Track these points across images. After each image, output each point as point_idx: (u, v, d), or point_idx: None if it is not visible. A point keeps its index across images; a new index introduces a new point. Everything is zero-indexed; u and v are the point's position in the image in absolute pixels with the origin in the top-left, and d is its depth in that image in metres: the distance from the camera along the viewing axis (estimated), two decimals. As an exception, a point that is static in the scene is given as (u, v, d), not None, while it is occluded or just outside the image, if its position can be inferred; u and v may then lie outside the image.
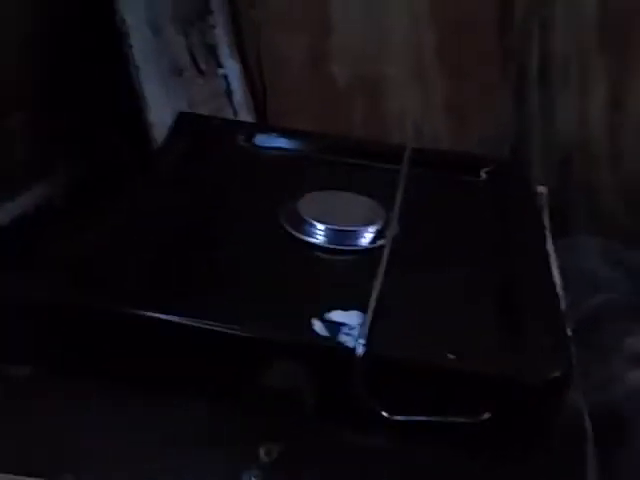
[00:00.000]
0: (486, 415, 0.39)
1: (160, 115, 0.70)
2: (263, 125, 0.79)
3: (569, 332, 0.47)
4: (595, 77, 0.78)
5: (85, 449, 0.39)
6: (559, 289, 0.52)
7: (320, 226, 0.50)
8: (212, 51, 0.78)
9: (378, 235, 0.51)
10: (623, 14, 0.76)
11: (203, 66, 0.77)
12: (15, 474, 0.38)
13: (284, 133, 0.65)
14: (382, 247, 0.48)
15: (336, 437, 0.41)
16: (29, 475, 0.37)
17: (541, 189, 0.66)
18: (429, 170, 0.60)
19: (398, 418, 0.39)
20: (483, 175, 0.61)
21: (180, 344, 0.42)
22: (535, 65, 0.79)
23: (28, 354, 0.44)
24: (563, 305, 0.51)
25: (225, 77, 0.79)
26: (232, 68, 0.79)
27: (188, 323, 0.41)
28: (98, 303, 0.43)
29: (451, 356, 0.40)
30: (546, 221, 0.61)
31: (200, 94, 0.77)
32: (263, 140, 0.64)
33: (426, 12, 0.78)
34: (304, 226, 0.51)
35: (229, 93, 0.79)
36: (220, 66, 0.79)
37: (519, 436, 0.40)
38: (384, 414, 0.40)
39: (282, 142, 0.64)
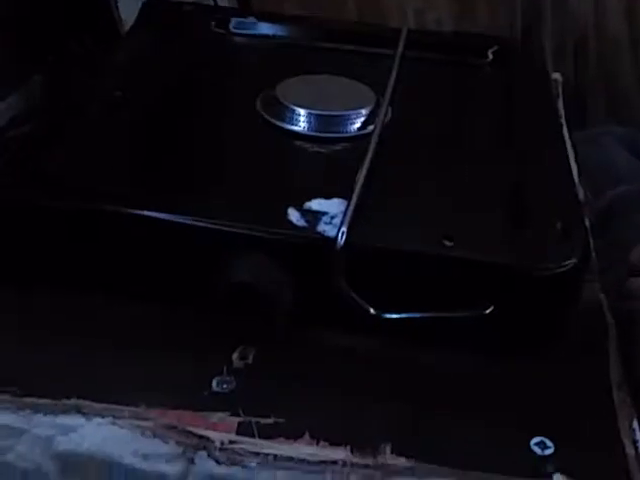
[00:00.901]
0: (489, 309, 0.34)
1: (129, 9, 0.63)
2: (240, 10, 0.72)
3: (587, 223, 0.41)
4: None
5: (30, 360, 0.35)
6: (576, 179, 0.46)
7: (300, 111, 0.45)
8: None
9: (367, 121, 0.45)
10: None
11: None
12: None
13: (263, 17, 0.58)
14: (371, 134, 0.42)
15: (318, 339, 0.36)
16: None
17: (555, 76, 0.59)
18: (428, 53, 0.53)
19: (388, 316, 0.35)
20: (489, 56, 0.54)
21: (148, 240, 0.37)
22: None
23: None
24: (581, 196, 0.46)
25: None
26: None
27: (157, 216, 0.37)
28: (59, 201, 0.38)
29: (447, 242, 0.34)
30: (561, 110, 0.55)
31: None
32: (240, 26, 0.57)
33: None
34: (283, 112, 0.45)
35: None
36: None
37: (529, 332, 0.35)
38: (372, 311, 0.35)
39: (261, 28, 0.57)
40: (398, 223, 0.37)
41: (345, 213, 0.36)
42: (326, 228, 0.36)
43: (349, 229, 0.35)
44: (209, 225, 0.36)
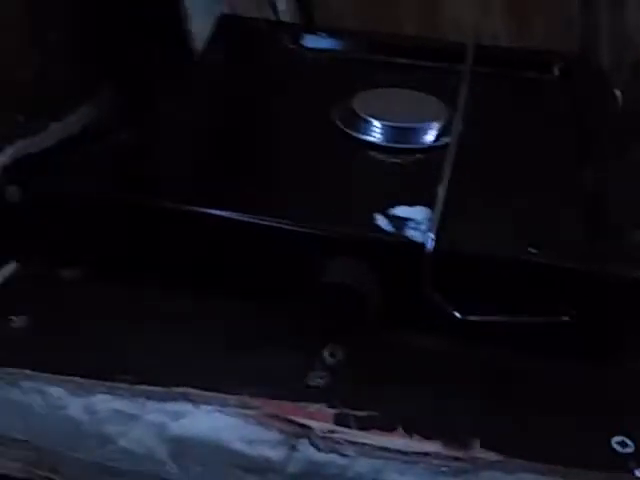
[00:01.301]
0: (570, 315, 0.36)
1: (201, 24, 0.66)
2: (310, 26, 0.74)
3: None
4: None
5: (142, 351, 0.38)
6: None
7: (377, 123, 0.47)
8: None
9: (441, 132, 0.47)
10: None
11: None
12: (68, 375, 0.37)
13: (333, 33, 0.61)
14: (446, 145, 0.45)
15: (404, 339, 0.39)
16: (85, 377, 0.37)
17: (616, 92, 0.61)
18: (494, 68, 0.56)
19: (472, 318, 0.37)
20: (556, 72, 0.57)
21: (242, 243, 0.40)
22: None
23: (79, 256, 0.43)
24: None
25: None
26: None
27: (251, 220, 0.40)
28: (150, 199, 0.41)
29: (532, 250, 0.37)
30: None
31: (243, 2, 0.72)
32: (311, 41, 0.60)
33: None
34: (359, 124, 0.48)
35: (273, 1, 0.75)
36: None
37: (611, 337, 0.38)
38: (456, 314, 0.37)
39: (331, 43, 0.60)
40: (482, 230, 0.39)
41: (432, 219, 0.38)
42: (414, 233, 0.38)
43: (437, 236, 0.37)
44: (305, 229, 0.39)
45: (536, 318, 0.36)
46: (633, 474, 0.33)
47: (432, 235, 0.37)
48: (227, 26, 0.60)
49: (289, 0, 0.75)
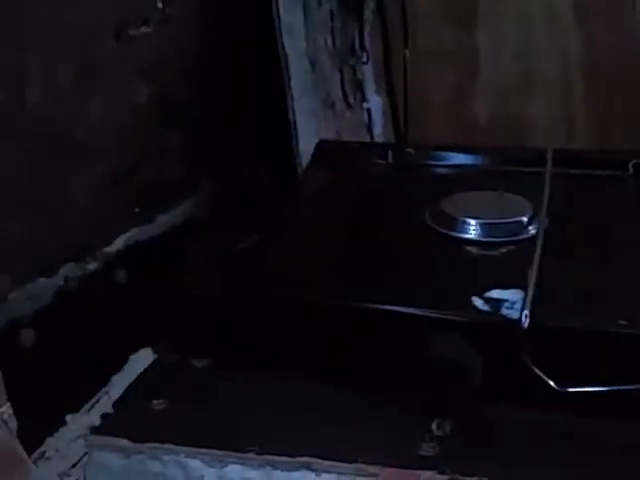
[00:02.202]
0: None
1: (308, 144, 0.74)
2: (396, 144, 0.82)
3: None
4: None
5: (265, 427, 0.42)
6: None
7: (469, 221, 0.52)
8: (360, 85, 0.83)
9: (527, 226, 0.51)
10: None
11: (351, 100, 0.81)
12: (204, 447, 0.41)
13: (417, 149, 0.67)
14: (533, 238, 0.49)
15: (505, 411, 0.42)
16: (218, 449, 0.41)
17: None
18: (573, 168, 0.60)
19: (570, 390, 0.39)
20: (630, 169, 0.60)
21: (357, 328, 0.45)
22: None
23: (209, 347, 0.48)
24: None
25: (368, 110, 0.83)
26: (375, 102, 0.84)
27: (369, 307, 0.45)
28: (272, 296, 0.47)
29: (622, 322, 0.39)
30: None
31: (346, 126, 0.81)
32: (397, 157, 0.66)
33: (577, 60, 0.78)
34: (451, 222, 0.52)
35: (370, 126, 0.83)
36: (365, 100, 0.83)
37: None
38: (553, 385, 0.40)
39: (416, 157, 0.66)
40: (572, 306, 0.43)
41: (526, 299, 0.42)
42: (509, 312, 0.42)
43: (532, 312, 0.40)
44: (414, 312, 0.44)
45: (630, 386, 0.38)
46: None
47: (527, 312, 0.40)
48: (325, 150, 0.68)
49: (386, 124, 0.84)
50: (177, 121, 0.68)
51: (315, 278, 0.49)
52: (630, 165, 0.60)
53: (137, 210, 0.61)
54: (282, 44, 0.75)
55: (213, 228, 0.63)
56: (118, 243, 0.57)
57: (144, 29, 0.62)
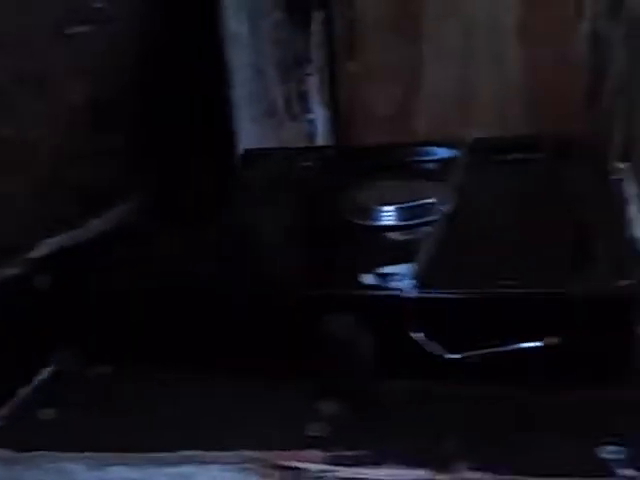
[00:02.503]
0: (553, 339, 0.37)
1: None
2: (319, 147, 0.82)
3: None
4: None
5: (150, 428, 0.41)
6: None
7: (379, 208, 0.51)
8: (304, 97, 0.83)
9: (437, 209, 0.51)
10: None
11: (295, 110, 0.81)
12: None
13: (342, 150, 0.70)
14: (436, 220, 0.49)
15: (396, 385, 0.40)
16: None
17: (622, 165, 0.64)
18: (491, 155, 0.61)
19: (456, 356, 0.38)
20: (545, 152, 0.60)
21: (249, 315, 0.43)
22: (618, 145, 0.76)
23: (106, 354, 0.47)
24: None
25: (311, 121, 0.83)
26: (319, 114, 0.83)
27: (260, 289, 0.45)
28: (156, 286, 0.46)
29: (508, 282, 0.39)
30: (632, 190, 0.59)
31: (288, 136, 0.81)
32: (321, 160, 0.68)
33: (516, 84, 0.79)
34: (363, 212, 0.52)
35: (312, 137, 0.83)
36: (309, 111, 0.83)
37: (593, 360, 0.38)
38: (441, 353, 0.39)
39: (340, 159, 0.68)
40: (460, 276, 0.42)
41: (414, 271, 0.41)
42: (397, 284, 0.41)
43: (418, 282, 0.40)
44: (307, 293, 0.43)
45: (513, 347, 0.37)
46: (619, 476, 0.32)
47: (414, 283, 0.40)
48: (250, 157, 0.70)
49: (329, 136, 0.84)
50: (114, 124, 0.67)
51: (220, 274, 0.48)
52: (544, 147, 0.61)
53: (65, 214, 0.59)
54: (227, 52, 0.75)
55: (147, 234, 0.62)
56: (43, 248, 0.55)
57: (82, 28, 0.62)
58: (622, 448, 0.34)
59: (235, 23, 0.77)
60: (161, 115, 0.73)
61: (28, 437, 0.41)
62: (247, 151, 0.71)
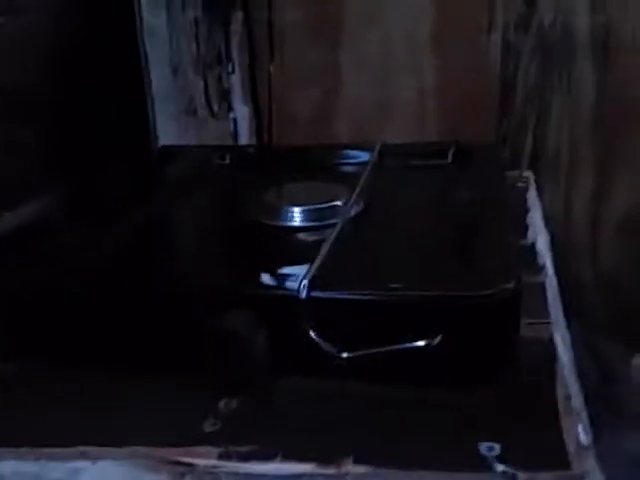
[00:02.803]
0: (438, 338, 0.38)
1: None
2: (235, 146, 0.83)
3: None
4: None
5: (46, 424, 0.40)
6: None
7: (286, 208, 0.52)
8: (226, 95, 0.83)
9: (339, 212, 0.52)
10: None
11: (215, 108, 0.81)
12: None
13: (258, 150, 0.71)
14: (348, 220, 0.49)
15: (291, 383, 0.41)
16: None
17: (527, 173, 0.68)
18: (399, 159, 0.63)
19: (346, 355, 0.39)
20: (450, 157, 0.63)
21: (148, 313, 0.43)
22: (527, 153, 0.82)
23: (16, 350, 0.46)
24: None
25: (234, 120, 0.83)
26: (242, 113, 0.84)
27: (160, 289, 0.44)
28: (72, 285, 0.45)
29: (394, 285, 0.40)
30: (533, 198, 0.63)
31: (209, 134, 0.81)
32: (236, 158, 0.68)
33: (432, 85, 0.82)
34: (271, 212, 0.53)
35: (235, 135, 0.84)
36: (231, 109, 0.83)
37: (473, 359, 0.39)
38: (335, 352, 0.39)
39: (255, 157, 0.69)
40: (353, 277, 0.43)
41: (308, 270, 0.42)
42: (292, 284, 0.41)
43: (310, 283, 0.40)
44: (204, 291, 0.43)
45: (402, 346, 0.38)
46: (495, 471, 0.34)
47: (305, 282, 0.40)
48: (166, 154, 0.70)
49: (251, 135, 0.85)
50: (28, 116, 0.66)
51: (117, 269, 0.47)
52: (449, 154, 0.63)
53: None
54: (143, 45, 0.75)
55: (61, 230, 0.61)
56: None
57: (-6, 19, 0.61)
58: (498, 445, 0.35)
59: (151, 15, 0.76)
60: (77, 110, 0.71)
61: None
62: (164, 147, 0.70)
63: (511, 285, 0.39)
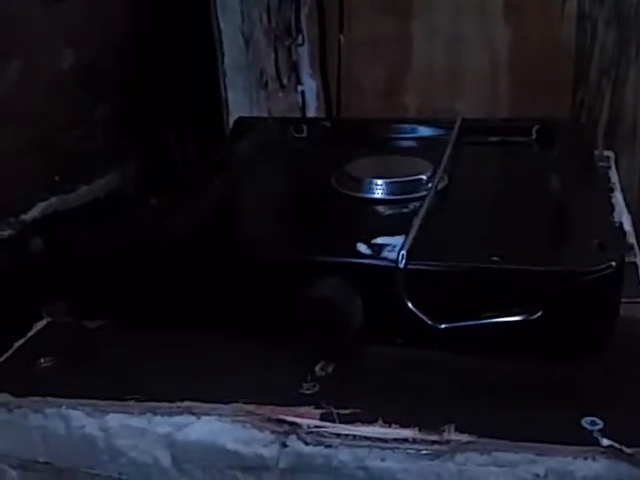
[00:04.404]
0: (537, 314, 0.38)
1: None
2: (312, 119, 0.83)
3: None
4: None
5: (150, 379, 0.42)
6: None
7: (371, 181, 0.52)
8: (295, 67, 0.83)
9: (428, 184, 0.52)
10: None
11: (285, 81, 0.82)
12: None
13: (333, 123, 0.70)
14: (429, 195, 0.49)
15: (385, 350, 0.42)
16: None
17: (607, 153, 0.66)
18: (481, 135, 0.62)
19: (444, 326, 0.40)
20: (534, 134, 0.62)
21: (245, 278, 0.44)
22: (603, 125, 0.80)
23: (101, 308, 0.48)
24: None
25: (302, 93, 0.84)
26: (310, 85, 0.84)
27: (256, 255, 0.45)
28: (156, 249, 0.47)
29: (494, 258, 0.40)
30: (614, 178, 0.62)
31: (278, 106, 0.81)
32: (313, 131, 0.68)
33: (505, 56, 0.80)
34: (355, 183, 0.53)
35: (303, 108, 0.84)
36: (300, 82, 0.83)
37: (574, 335, 0.39)
38: (428, 322, 0.40)
39: (332, 130, 0.68)
40: (450, 248, 0.44)
41: (405, 241, 0.42)
42: (389, 254, 0.42)
43: (408, 253, 0.41)
44: (300, 257, 0.44)
45: (502, 319, 0.39)
46: (600, 445, 0.34)
47: (404, 252, 0.41)
48: (243, 125, 0.69)
49: (319, 108, 0.85)
50: (103, 92, 0.67)
51: (210, 235, 0.49)
52: (533, 131, 0.62)
53: (57, 179, 0.60)
54: (216, 18, 0.75)
55: (137, 201, 0.62)
56: (35, 211, 0.57)
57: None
58: (601, 419, 0.35)
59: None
60: (151, 84, 0.73)
61: (28, 383, 0.42)
62: (239, 119, 0.70)
63: (615, 262, 0.39)
